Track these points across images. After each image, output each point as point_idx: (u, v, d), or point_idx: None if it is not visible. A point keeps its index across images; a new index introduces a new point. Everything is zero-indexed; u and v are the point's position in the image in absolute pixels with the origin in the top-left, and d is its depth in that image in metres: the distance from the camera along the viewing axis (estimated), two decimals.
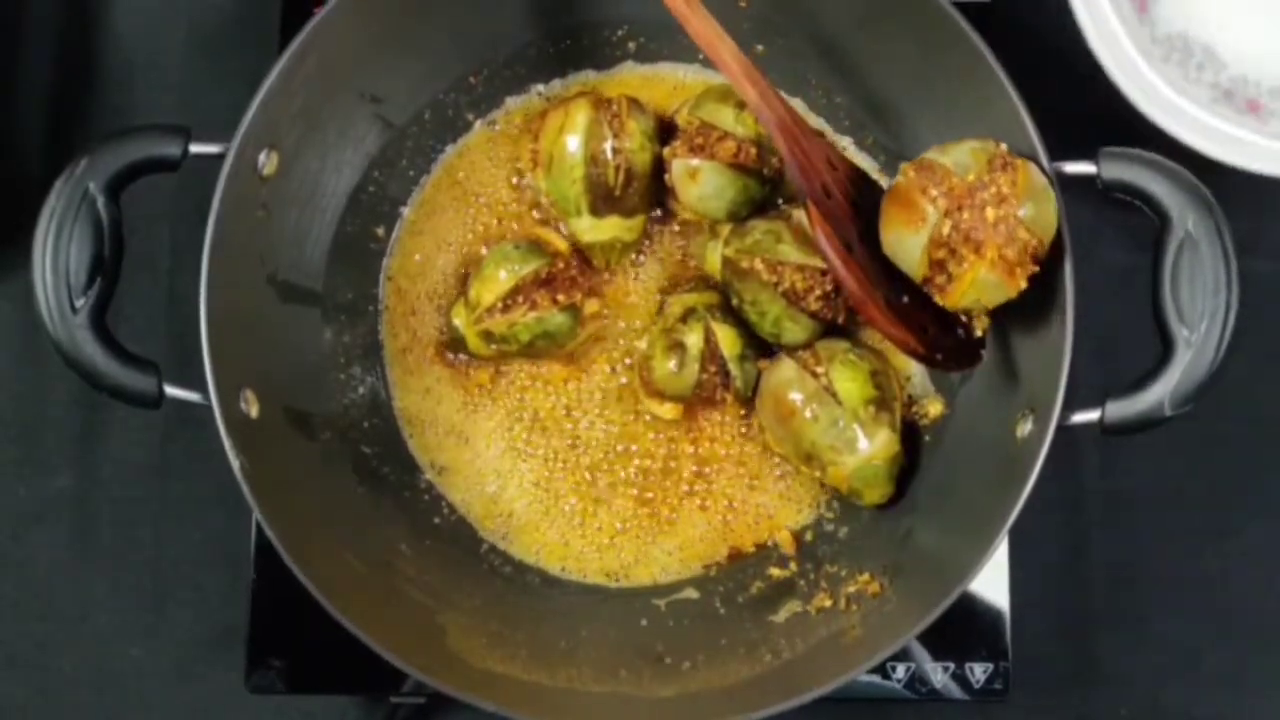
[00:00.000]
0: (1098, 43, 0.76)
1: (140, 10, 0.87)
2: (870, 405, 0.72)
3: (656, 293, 0.79)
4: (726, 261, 0.75)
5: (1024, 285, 0.64)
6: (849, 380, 0.72)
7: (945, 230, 0.64)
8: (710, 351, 0.74)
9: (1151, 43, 0.77)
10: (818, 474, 0.74)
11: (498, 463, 0.78)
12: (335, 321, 0.77)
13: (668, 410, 0.76)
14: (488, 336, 0.75)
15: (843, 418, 0.71)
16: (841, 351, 0.73)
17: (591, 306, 0.76)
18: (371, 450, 0.76)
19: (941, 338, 0.69)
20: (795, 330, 0.74)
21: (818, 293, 0.73)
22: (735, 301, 0.75)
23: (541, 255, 0.75)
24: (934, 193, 0.64)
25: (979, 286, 0.64)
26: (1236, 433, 0.82)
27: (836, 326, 0.75)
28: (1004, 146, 0.65)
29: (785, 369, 0.73)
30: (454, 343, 0.78)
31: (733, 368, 0.75)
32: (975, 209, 0.63)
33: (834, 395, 0.72)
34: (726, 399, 0.76)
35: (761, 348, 0.76)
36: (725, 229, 0.76)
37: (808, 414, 0.72)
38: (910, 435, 0.75)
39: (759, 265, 0.73)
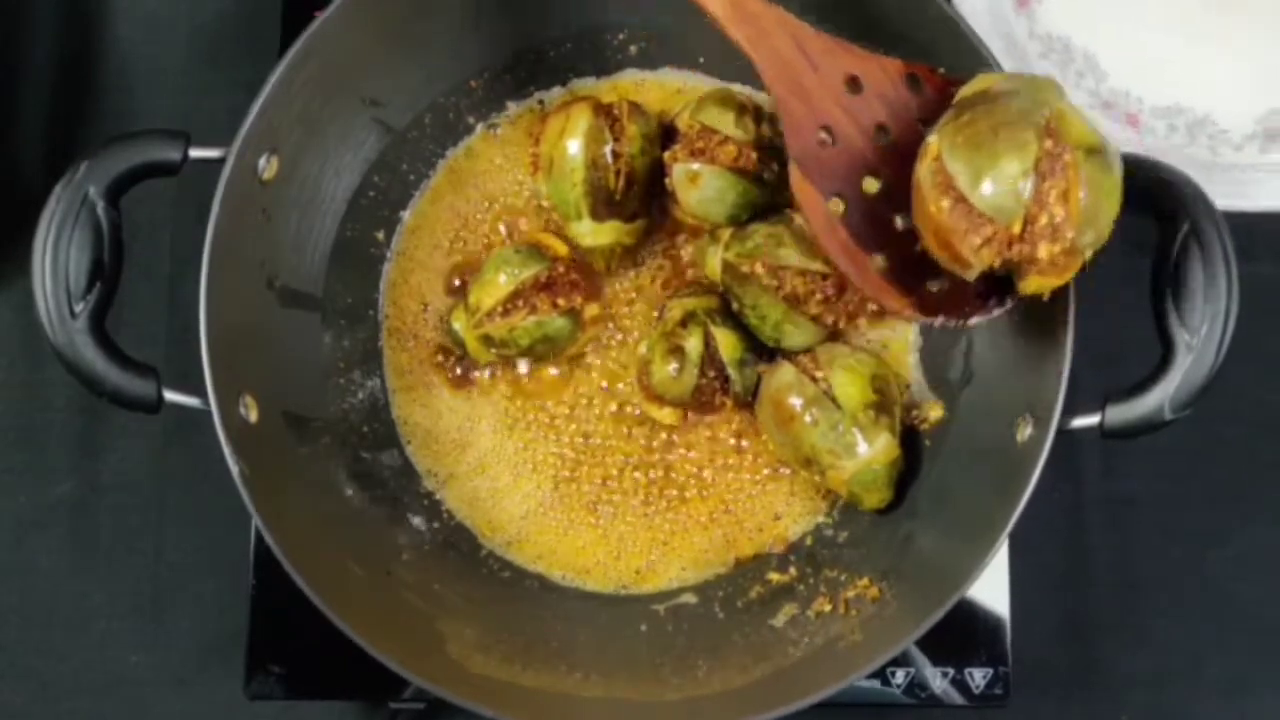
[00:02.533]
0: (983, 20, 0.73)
1: (141, 15, 0.87)
2: (870, 409, 0.72)
3: (656, 297, 0.79)
4: (727, 265, 0.75)
5: (1089, 256, 0.60)
6: (849, 384, 0.72)
7: (996, 265, 0.61)
8: (709, 356, 0.74)
9: (1029, 37, 0.75)
10: (817, 478, 0.74)
11: (496, 469, 0.78)
12: (335, 326, 0.77)
13: (667, 415, 0.76)
14: (487, 341, 0.75)
15: (842, 422, 0.71)
16: (841, 355, 0.73)
17: (591, 310, 0.76)
18: (371, 456, 0.76)
19: (956, 288, 0.65)
20: (796, 334, 0.74)
21: (819, 297, 0.73)
22: (736, 306, 0.75)
23: (541, 259, 0.75)
24: (976, 241, 0.60)
25: (1041, 286, 0.61)
26: (1237, 436, 0.82)
27: (838, 332, 0.75)
28: (1049, 142, 0.58)
29: (785, 373, 0.73)
30: (454, 347, 0.78)
31: (732, 372, 0.75)
32: (1026, 245, 0.59)
33: (833, 399, 0.72)
34: (726, 403, 0.76)
35: (761, 352, 0.76)
36: (725, 233, 0.76)
37: (807, 418, 0.72)
38: (910, 440, 0.75)
39: (760, 269, 0.73)
